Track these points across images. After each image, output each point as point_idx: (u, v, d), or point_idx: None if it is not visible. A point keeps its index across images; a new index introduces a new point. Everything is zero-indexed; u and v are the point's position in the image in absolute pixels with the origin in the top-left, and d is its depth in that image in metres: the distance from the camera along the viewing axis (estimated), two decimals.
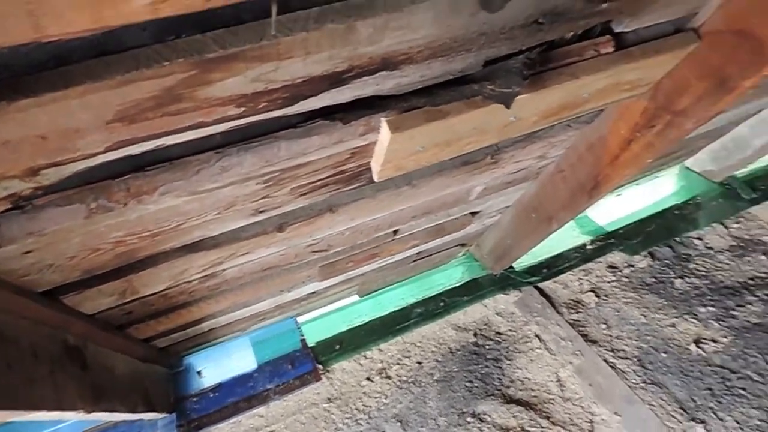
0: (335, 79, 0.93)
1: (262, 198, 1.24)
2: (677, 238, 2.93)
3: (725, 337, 2.41)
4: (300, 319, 2.84)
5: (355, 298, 2.96)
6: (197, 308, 1.91)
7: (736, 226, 2.97)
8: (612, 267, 2.84)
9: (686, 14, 1.27)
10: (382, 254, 2.22)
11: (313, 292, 2.55)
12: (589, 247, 2.95)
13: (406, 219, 1.95)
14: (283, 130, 1.06)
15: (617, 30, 1.20)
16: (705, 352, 2.37)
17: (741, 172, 3.19)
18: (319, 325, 2.80)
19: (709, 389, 2.23)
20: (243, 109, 0.88)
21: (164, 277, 1.47)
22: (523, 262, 2.90)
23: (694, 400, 2.20)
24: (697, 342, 2.40)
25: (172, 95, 0.78)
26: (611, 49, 1.22)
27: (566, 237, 3.05)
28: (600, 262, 2.87)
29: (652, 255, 2.86)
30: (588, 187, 1.85)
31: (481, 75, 1.08)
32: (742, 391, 2.21)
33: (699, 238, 2.93)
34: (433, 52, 0.96)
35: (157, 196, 1.03)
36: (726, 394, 2.21)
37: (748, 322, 2.45)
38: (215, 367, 2.55)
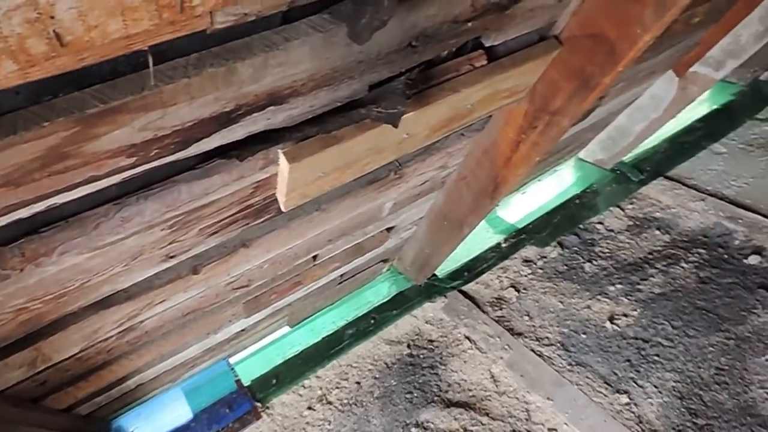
0: (224, 119, 0.95)
1: (170, 243, 1.24)
2: (581, 226, 3.15)
3: (635, 310, 2.60)
4: (233, 360, 2.78)
5: (287, 329, 2.94)
6: (119, 366, 1.84)
7: (630, 207, 3.23)
8: (527, 261, 3.00)
9: (547, 24, 1.40)
10: (305, 281, 2.23)
11: (242, 330, 2.51)
12: (503, 245, 3.10)
13: (324, 243, 1.98)
14: (181, 173, 1.07)
15: (487, 44, 1.31)
16: (619, 327, 2.55)
17: (628, 157, 3.47)
18: (253, 362, 2.76)
19: (628, 361, 2.40)
20: (135, 158, 0.89)
21: (77, 339, 1.42)
22: (445, 269, 3.00)
23: (615, 374, 2.36)
24: (611, 319, 2.58)
25: (57, 154, 0.78)
26: (485, 62, 1.32)
27: (482, 239, 3.19)
28: (515, 258, 3.02)
29: (561, 244, 3.05)
30: (489, 189, 1.96)
31: (368, 99, 1.14)
32: (656, 358, 2.39)
33: (600, 223, 3.16)
34: (317, 83, 1.01)
35: (57, 256, 1.00)
36: (643, 363, 2.38)
37: (653, 293, 2.67)
38: (149, 425, 2.44)
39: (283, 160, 1.13)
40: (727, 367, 2.29)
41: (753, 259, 2.72)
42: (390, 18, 0.82)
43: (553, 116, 1.54)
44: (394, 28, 1.00)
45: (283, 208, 1.31)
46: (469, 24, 1.14)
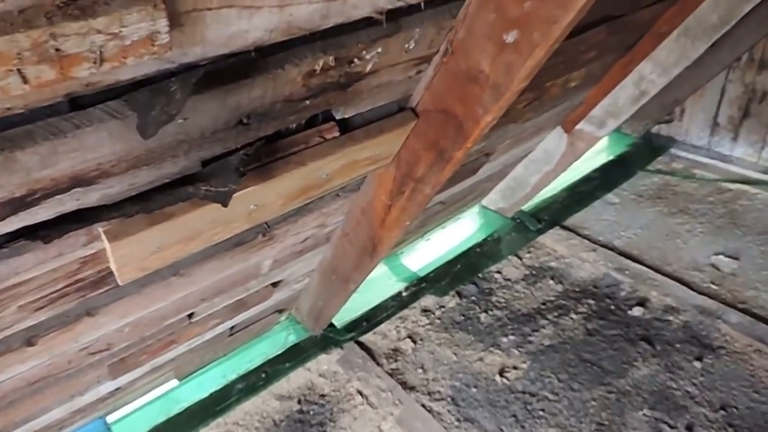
0: (19, 204, 0.88)
1: None
2: (480, 274, 3.20)
3: (525, 362, 2.64)
4: (111, 418, 2.60)
5: (175, 382, 2.79)
6: None
7: (528, 256, 3.32)
8: (425, 310, 3.00)
9: (402, 96, 1.41)
10: (181, 339, 2.13)
11: (117, 388, 2.35)
12: (404, 294, 3.09)
13: (196, 302, 1.90)
14: None
15: (338, 117, 1.30)
16: (509, 380, 2.58)
17: (527, 206, 3.58)
18: (134, 420, 2.59)
19: (514, 416, 2.42)
20: None
21: None
22: (344, 318, 2.95)
23: (501, 430, 2.37)
24: (501, 372, 2.61)
25: None
26: (337, 134, 1.31)
27: (385, 286, 3.18)
28: (415, 307, 3.02)
29: (459, 294, 3.07)
30: (369, 248, 1.95)
31: (203, 174, 1.10)
32: (541, 413, 2.42)
33: (498, 272, 3.22)
34: (132, 163, 0.96)
35: None
36: (528, 418, 2.41)
37: (543, 344, 2.72)
38: None
39: (104, 238, 1.06)
40: (607, 422, 2.35)
41: (637, 311, 2.84)
42: (178, 112, 0.79)
43: (417, 183, 1.55)
44: (215, 108, 0.97)
45: (119, 282, 1.23)
46: (307, 102, 1.13)
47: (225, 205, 1.06)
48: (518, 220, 3.52)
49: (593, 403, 2.42)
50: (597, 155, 4.23)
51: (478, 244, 3.40)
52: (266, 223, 1.66)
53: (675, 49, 2.47)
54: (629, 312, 2.84)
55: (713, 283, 2.97)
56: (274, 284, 2.27)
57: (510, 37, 1.09)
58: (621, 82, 2.64)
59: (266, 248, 1.78)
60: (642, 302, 2.89)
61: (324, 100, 1.17)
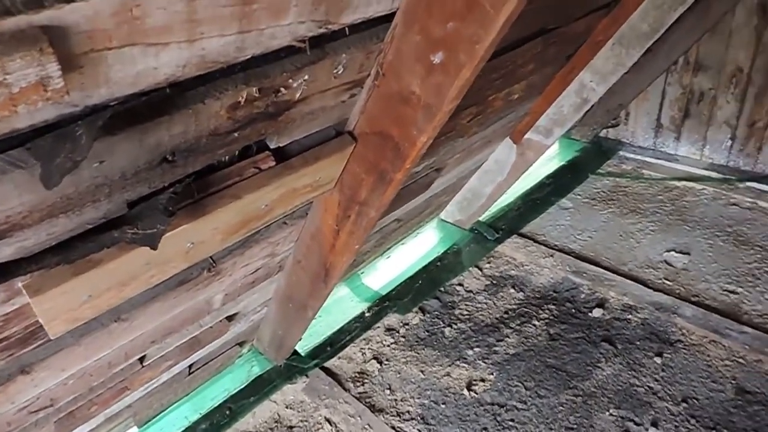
0: None
1: None
2: (442, 288, 3.19)
3: (491, 374, 2.64)
4: None
5: (136, 430, 2.67)
6: None
7: (488, 266, 3.33)
8: (390, 329, 2.97)
9: (339, 121, 1.40)
10: (134, 385, 2.04)
11: None
12: (367, 314, 3.05)
13: (145, 345, 1.82)
14: None
15: (272, 146, 1.27)
16: (477, 393, 2.56)
17: (484, 217, 3.61)
18: None
19: (485, 429, 2.40)
20: None
21: None
22: (307, 345, 2.89)
23: None
24: (469, 385, 2.59)
25: None
26: (273, 163, 1.28)
27: (347, 308, 3.13)
28: (379, 327, 2.99)
29: (422, 309, 3.06)
30: (322, 274, 1.91)
31: (130, 217, 1.05)
32: (510, 423, 2.41)
33: (460, 284, 3.22)
34: (47, 212, 0.91)
35: None
36: (498, 430, 2.39)
37: (508, 354, 2.72)
38: None
39: (26, 293, 1.00)
40: (575, 426, 2.35)
41: (597, 312, 2.87)
42: (84, 158, 0.75)
43: (362, 206, 1.53)
44: (133, 148, 0.93)
45: (51, 336, 1.16)
46: (236, 134, 1.10)
47: (154, 247, 1.02)
48: (476, 231, 3.54)
49: (561, 408, 2.43)
50: (549, 162, 4.31)
51: (439, 258, 3.40)
52: (211, 257, 1.61)
53: (611, 57, 2.54)
54: (590, 314, 2.87)
55: (667, 279, 3.04)
56: (230, 318, 2.20)
57: (437, 59, 1.09)
58: (563, 91, 2.70)
59: (214, 283, 1.73)
60: (601, 303, 2.92)
61: (254, 131, 1.14)
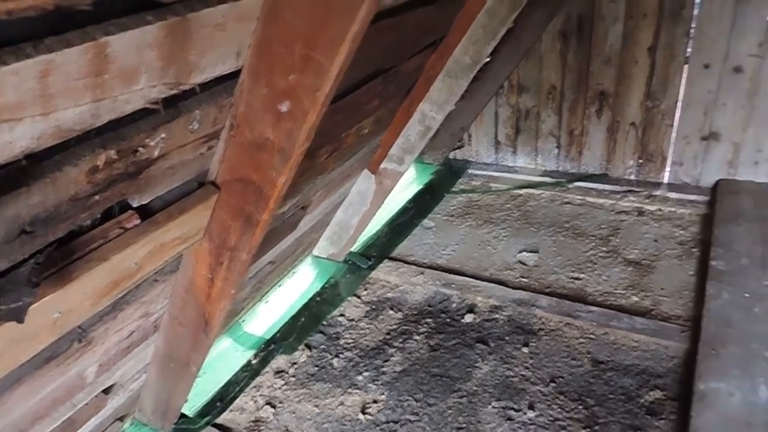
0: None
1: None
2: (325, 322, 3.27)
3: (382, 394, 2.75)
4: None
5: None
6: None
7: (365, 293, 3.48)
8: (279, 372, 2.97)
9: (200, 172, 1.46)
10: None
11: None
12: (254, 361, 3.03)
13: None
14: None
15: (135, 205, 1.30)
16: (372, 415, 2.65)
17: (355, 247, 3.76)
18: None
19: None
20: None
21: None
22: (195, 405, 2.80)
23: None
24: (363, 409, 2.68)
25: None
26: (137, 221, 1.30)
27: (232, 360, 3.08)
28: (267, 371, 2.98)
29: (308, 346, 3.10)
30: (201, 326, 1.91)
31: None
32: None
33: (342, 315, 3.32)
34: None
35: None
36: None
37: (395, 372, 2.86)
38: None
39: None
40: (465, 425, 2.53)
41: (468, 318, 3.12)
42: None
43: (233, 252, 1.59)
44: None
45: None
46: (97, 197, 1.12)
47: (20, 321, 1.00)
48: (350, 262, 3.68)
49: (449, 411, 2.60)
50: (409, 187, 4.62)
51: (318, 293, 3.47)
52: (80, 326, 1.55)
53: (444, 88, 2.85)
54: (462, 320, 3.11)
55: (523, 277, 3.40)
56: (106, 391, 2.09)
57: (284, 107, 1.21)
58: (408, 121, 2.96)
59: (86, 354, 1.66)
60: (471, 309, 3.18)
61: (115, 192, 1.17)
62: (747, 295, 2.85)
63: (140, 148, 1.13)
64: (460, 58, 2.71)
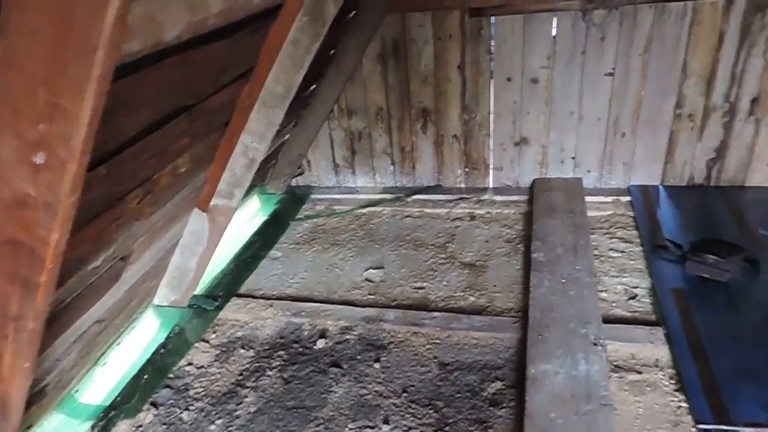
0: None
1: None
2: (171, 374, 3.07)
3: None
4: None
5: None
6: None
7: (214, 336, 3.33)
8: None
9: None
10: None
11: None
12: None
13: None
14: None
15: None
16: None
17: (199, 290, 3.60)
18: None
19: None
20: None
21: None
22: None
23: None
24: None
25: None
26: None
27: None
28: None
29: (154, 404, 2.89)
30: (2, 411, 1.69)
31: None
32: None
33: (190, 363, 3.14)
34: None
35: None
36: None
37: (249, 413, 2.76)
38: None
39: None
40: None
41: (320, 343, 3.12)
42: None
43: (18, 321, 1.43)
44: None
45: None
46: None
47: None
48: (195, 306, 3.51)
49: None
50: (254, 219, 4.53)
51: (162, 345, 3.26)
52: None
53: (261, 119, 2.84)
54: (315, 347, 3.10)
55: (370, 294, 3.48)
56: None
57: (39, 159, 1.12)
58: (231, 154, 2.91)
59: None
60: (323, 334, 3.18)
61: None
62: (563, 280, 3.18)
63: None
64: (272, 87, 2.73)
